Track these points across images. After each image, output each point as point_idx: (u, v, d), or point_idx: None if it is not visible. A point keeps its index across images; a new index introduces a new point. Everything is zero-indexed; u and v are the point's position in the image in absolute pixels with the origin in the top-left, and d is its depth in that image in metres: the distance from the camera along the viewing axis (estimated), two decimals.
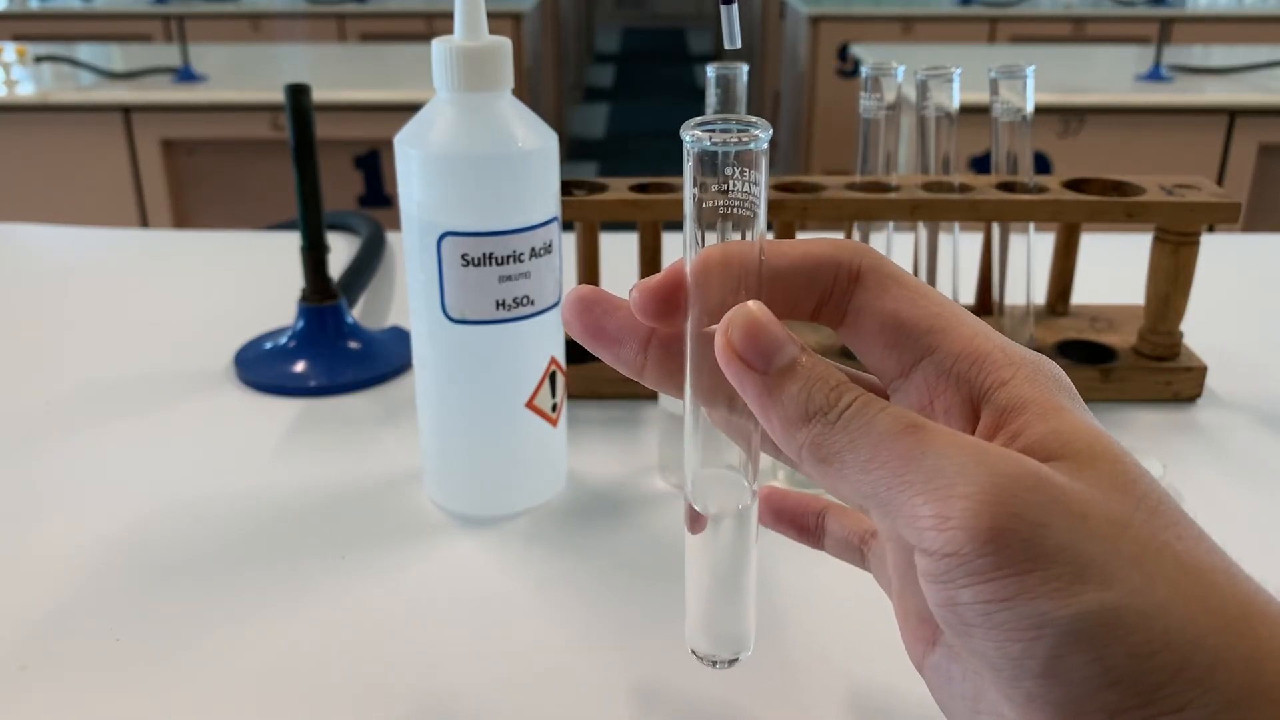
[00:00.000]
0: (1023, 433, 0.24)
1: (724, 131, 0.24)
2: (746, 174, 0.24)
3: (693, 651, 0.29)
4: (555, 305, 0.47)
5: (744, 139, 0.24)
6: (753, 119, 0.24)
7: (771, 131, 0.25)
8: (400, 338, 0.67)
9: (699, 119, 0.25)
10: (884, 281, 0.27)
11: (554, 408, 0.49)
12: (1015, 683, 0.22)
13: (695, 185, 0.25)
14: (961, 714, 0.27)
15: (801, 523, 0.34)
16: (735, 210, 0.25)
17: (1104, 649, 0.21)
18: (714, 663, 0.29)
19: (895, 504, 0.23)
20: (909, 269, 0.64)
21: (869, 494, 0.24)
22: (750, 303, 0.25)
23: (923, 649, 0.28)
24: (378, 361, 0.64)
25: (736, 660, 0.29)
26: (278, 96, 1.67)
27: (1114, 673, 0.21)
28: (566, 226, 0.51)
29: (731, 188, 0.24)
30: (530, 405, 0.48)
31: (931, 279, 0.59)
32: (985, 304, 0.66)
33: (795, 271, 0.27)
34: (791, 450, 0.25)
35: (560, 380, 0.49)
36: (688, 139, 0.24)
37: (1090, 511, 0.22)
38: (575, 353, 0.60)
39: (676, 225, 0.78)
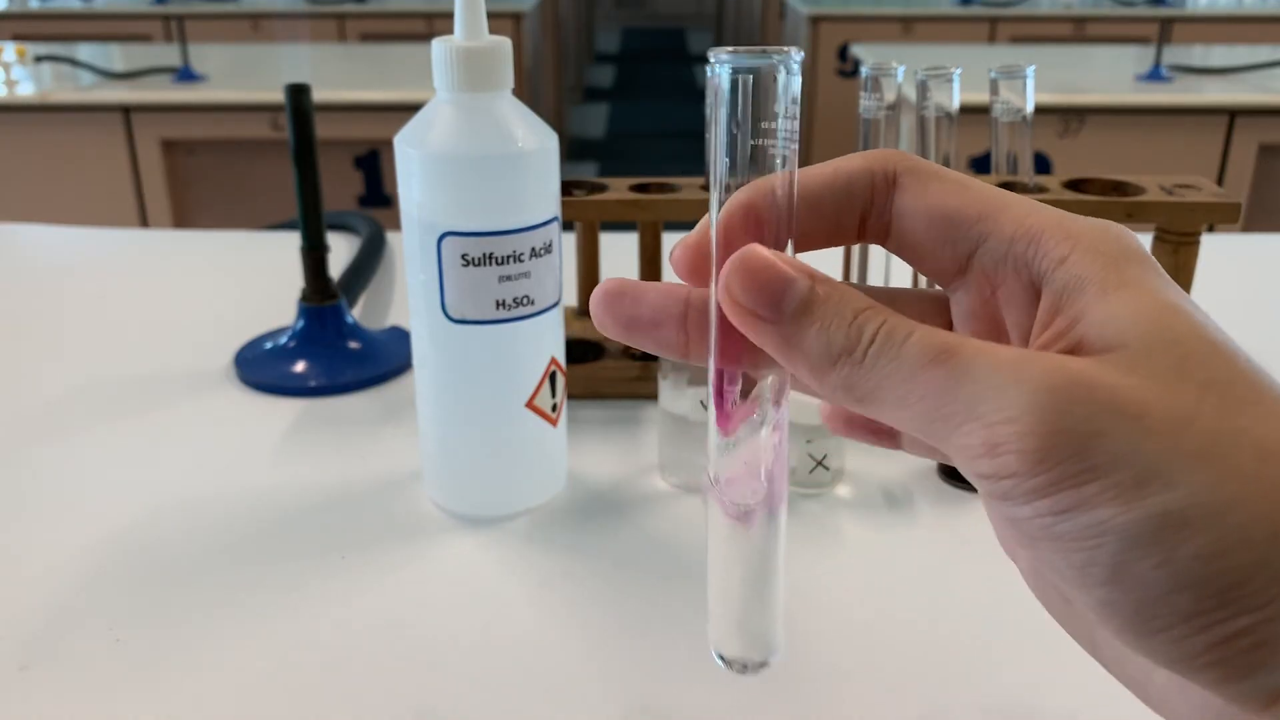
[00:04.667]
0: (1082, 317, 0.22)
1: (760, 56, 0.22)
2: (783, 104, 0.22)
3: (719, 657, 0.27)
4: (555, 305, 0.47)
5: (778, 60, 0.22)
6: (778, 47, 0.22)
7: (803, 55, 0.23)
8: (400, 338, 0.67)
9: (726, 48, 0.23)
10: (924, 180, 0.25)
11: (554, 408, 0.49)
12: (1086, 591, 0.22)
13: (733, 118, 0.23)
14: (1056, 606, 0.27)
15: (876, 425, 0.32)
16: (774, 146, 0.23)
17: (1170, 552, 0.20)
18: (744, 667, 0.27)
19: (940, 436, 0.22)
20: (909, 269, 0.64)
21: (914, 428, 0.23)
22: (747, 246, 0.23)
23: (1012, 548, 0.27)
24: (378, 361, 0.64)
25: (766, 664, 0.27)
26: (278, 96, 1.66)
27: (1182, 576, 0.20)
28: (566, 226, 0.51)
29: (770, 118, 0.22)
30: (530, 405, 0.48)
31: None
32: None
33: (829, 192, 0.26)
34: (826, 395, 0.24)
35: (560, 380, 0.49)
36: (719, 64, 0.22)
37: (1148, 410, 0.20)
38: (575, 353, 0.60)
39: (677, 225, 0.78)
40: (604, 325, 0.27)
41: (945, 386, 0.22)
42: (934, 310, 0.27)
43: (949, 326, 0.26)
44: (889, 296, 0.27)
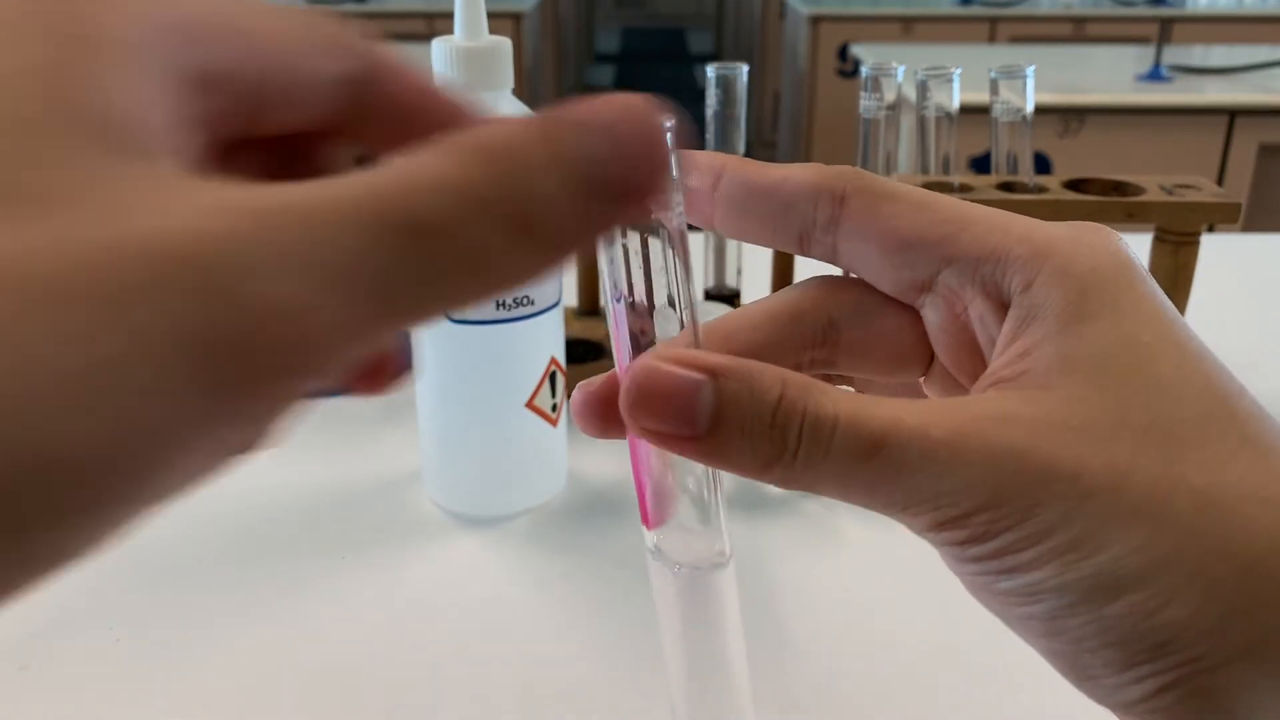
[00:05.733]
0: (1035, 349, 0.22)
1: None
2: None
3: None
4: (555, 305, 0.47)
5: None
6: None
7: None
8: (400, 338, 0.67)
9: None
10: (874, 202, 0.24)
11: (554, 408, 0.49)
12: (1030, 639, 0.23)
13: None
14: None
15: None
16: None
17: (1099, 610, 0.20)
18: None
19: (886, 513, 0.22)
20: None
21: (862, 505, 0.22)
22: (640, 363, 0.20)
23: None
24: None
25: None
26: None
27: (1111, 633, 0.20)
28: None
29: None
30: (530, 405, 0.48)
31: None
32: None
33: (766, 202, 0.24)
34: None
35: (560, 380, 0.49)
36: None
37: (1084, 468, 0.20)
38: (575, 353, 0.60)
39: None
40: (591, 433, 0.24)
41: (881, 480, 0.21)
42: (909, 322, 0.25)
43: (924, 336, 0.25)
44: (859, 306, 0.25)
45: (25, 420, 0.12)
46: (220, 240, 0.13)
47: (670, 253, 0.21)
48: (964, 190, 0.58)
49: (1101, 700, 0.22)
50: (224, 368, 0.13)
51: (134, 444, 0.13)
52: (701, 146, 0.60)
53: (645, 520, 0.23)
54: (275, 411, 0.14)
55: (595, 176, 0.15)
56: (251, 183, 0.14)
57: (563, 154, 0.15)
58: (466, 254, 0.14)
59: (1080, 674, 0.22)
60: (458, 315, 0.45)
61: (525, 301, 0.45)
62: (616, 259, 0.21)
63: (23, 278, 0.12)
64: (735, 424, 0.20)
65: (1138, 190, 0.58)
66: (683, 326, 0.22)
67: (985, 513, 0.20)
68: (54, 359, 0.12)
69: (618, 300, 0.21)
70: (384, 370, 0.21)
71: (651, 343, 0.21)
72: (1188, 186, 0.59)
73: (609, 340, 0.24)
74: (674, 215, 0.21)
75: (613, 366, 0.22)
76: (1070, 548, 0.20)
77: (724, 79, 0.58)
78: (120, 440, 0.12)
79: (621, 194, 0.16)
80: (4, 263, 0.12)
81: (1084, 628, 0.21)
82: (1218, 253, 0.78)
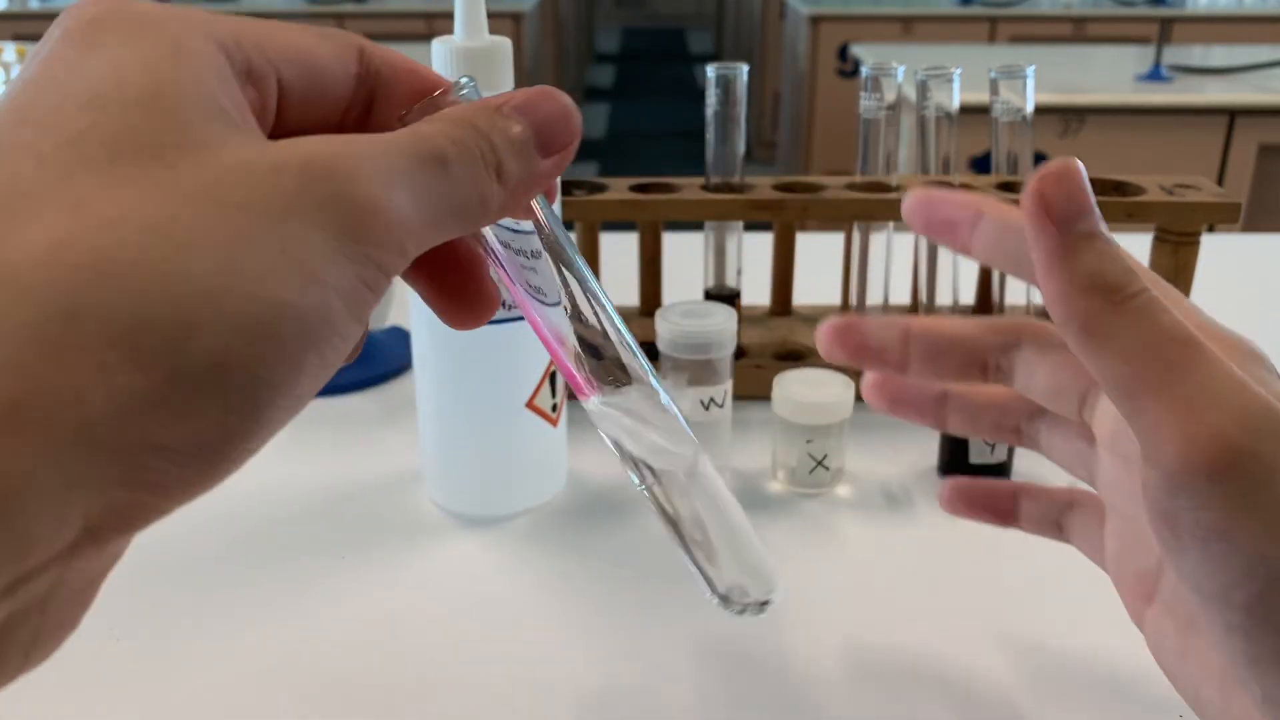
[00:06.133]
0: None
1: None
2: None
3: (721, 600, 0.26)
4: (555, 305, 0.47)
5: None
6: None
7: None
8: (400, 338, 0.67)
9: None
10: (1043, 349, 0.31)
11: (554, 408, 0.49)
12: (1219, 610, 0.23)
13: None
14: (1171, 665, 0.29)
15: (996, 506, 0.35)
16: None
17: None
18: (743, 608, 0.26)
19: (1143, 404, 0.23)
20: (909, 269, 0.64)
21: (1120, 384, 0.24)
22: (1071, 158, 0.25)
23: (1141, 606, 0.30)
24: (378, 361, 0.64)
25: (769, 603, 0.26)
26: None
27: None
28: (567, 226, 0.51)
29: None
30: (530, 405, 0.48)
31: (931, 279, 0.59)
32: (985, 304, 0.66)
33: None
34: (1060, 313, 0.25)
35: (560, 380, 0.49)
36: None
37: None
38: None
39: (676, 225, 0.78)
40: (831, 354, 0.32)
41: (1177, 363, 0.23)
42: (1070, 363, 0.31)
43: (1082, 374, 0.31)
44: (1041, 335, 0.32)
45: (259, 285, 0.17)
46: (339, 159, 0.19)
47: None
48: (964, 190, 0.58)
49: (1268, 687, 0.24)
50: (356, 240, 0.19)
51: (320, 294, 0.18)
52: (702, 146, 0.60)
53: (579, 392, 0.27)
54: (382, 282, 0.20)
55: (529, 139, 0.22)
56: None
57: (507, 127, 0.22)
58: (468, 181, 0.21)
59: (1268, 661, 0.23)
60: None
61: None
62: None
63: (224, 192, 0.18)
64: (1100, 248, 0.25)
65: (1138, 190, 0.58)
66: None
67: (1239, 447, 0.22)
68: (265, 243, 0.17)
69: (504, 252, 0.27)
70: (479, 301, 0.28)
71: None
72: (1188, 186, 0.59)
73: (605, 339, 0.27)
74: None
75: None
76: None
77: (724, 79, 0.57)
78: (314, 292, 0.18)
79: (544, 150, 0.23)
80: (205, 187, 0.17)
81: None
82: (1218, 253, 0.78)
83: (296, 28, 0.22)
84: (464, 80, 0.24)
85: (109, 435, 0.16)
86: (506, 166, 0.22)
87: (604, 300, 0.27)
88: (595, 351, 0.27)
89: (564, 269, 0.27)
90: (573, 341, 0.27)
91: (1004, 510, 0.35)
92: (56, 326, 0.16)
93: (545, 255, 0.27)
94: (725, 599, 0.26)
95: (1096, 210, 0.25)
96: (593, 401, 0.26)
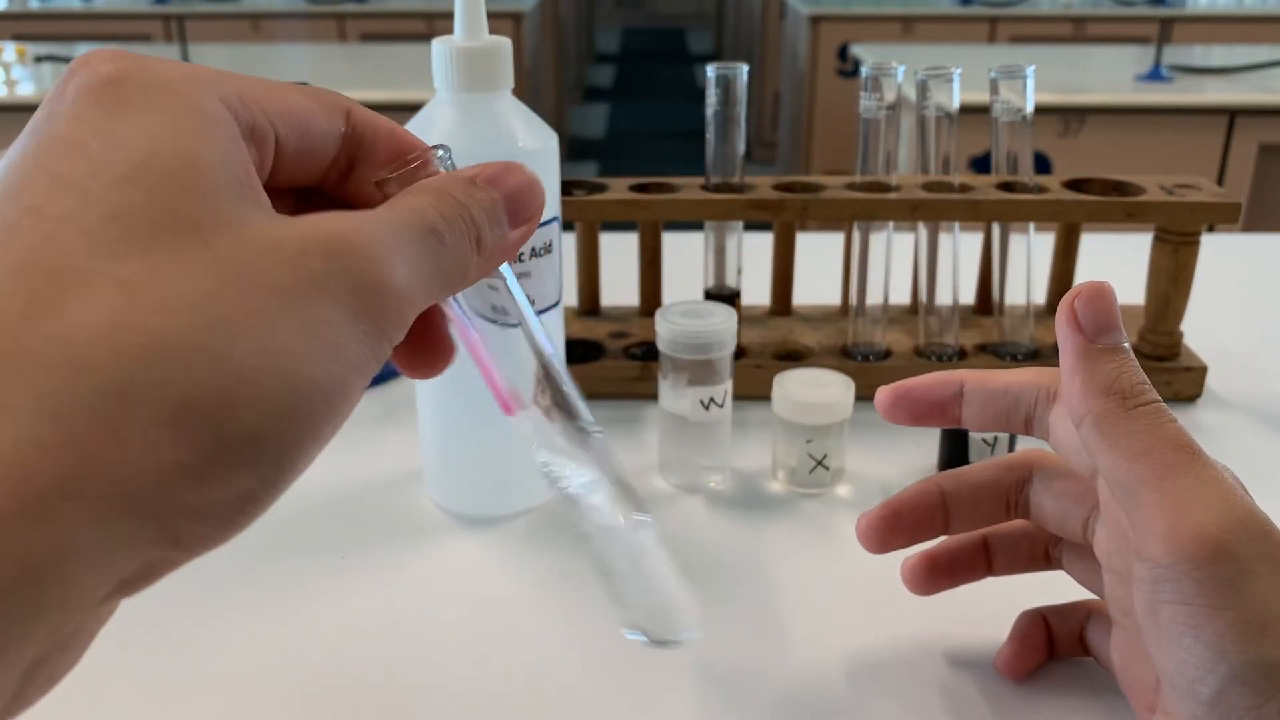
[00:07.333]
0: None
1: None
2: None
3: (630, 628, 0.29)
4: (555, 305, 0.47)
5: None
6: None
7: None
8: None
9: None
10: (1050, 477, 0.35)
11: None
12: (1184, 702, 0.26)
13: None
14: None
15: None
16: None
17: (1265, 699, 0.24)
18: (649, 642, 0.28)
19: (1139, 500, 0.26)
20: (909, 269, 0.64)
21: (1123, 479, 0.27)
22: (1104, 281, 0.30)
23: (1145, 715, 0.32)
24: None
25: (678, 642, 0.28)
26: None
27: None
28: (566, 226, 0.51)
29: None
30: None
31: (931, 279, 0.59)
32: (985, 304, 0.66)
33: (1003, 396, 0.34)
34: (1077, 410, 0.29)
35: None
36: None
37: None
38: (575, 353, 0.60)
39: (676, 225, 0.78)
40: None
41: (1175, 468, 0.26)
42: (1082, 489, 0.34)
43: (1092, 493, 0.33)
44: (1048, 467, 0.35)
45: (294, 366, 0.19)
46: (356, 239, 0.21)
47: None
48: (964, 190, 0.58)
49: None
50: (372, 318, 0.20)
51: (341, 371, 0.20)
52: (702, 146, 0.60)
53: (505, 408, 0.30)
54: (387, 352, 0.22)
55: (501, 211, 0.25)
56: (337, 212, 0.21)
57: (483, 199, 0.24)
58: (456, 253, 0.23)
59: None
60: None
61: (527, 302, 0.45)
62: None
63: (258, 275, 0.19)
64: (1120, 357, 0.29)
65: (1138, 190, 0.58)
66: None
67: (1217, 546, 0.25)
68: (298, 324, 0.19)
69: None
70: (437, 353, 0.29)
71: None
72: (1188, 186, 0.59)
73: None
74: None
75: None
76: (1261, 628, 0.25)
77: (724, 79, 0.58)
78: (337, 370, 0.20)
79: (513, 221, 0.25)
80: (241, 270, 0.19)
81: (1248, 712, 0.25)
82: (1218, 253, 0.78)
83: (291, 87, 0.24)
84: (439, 149, 0.25)
85: (151, 504, 0.17)
86: (484, 237, 0.24)
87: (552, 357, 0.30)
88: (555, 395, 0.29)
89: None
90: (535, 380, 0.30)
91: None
92: (113, 405, 0.17)
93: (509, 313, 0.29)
94: (633, 628, 0.28)
95: (1123, 329, 0.29)
96: (521, 419, 0.29)
